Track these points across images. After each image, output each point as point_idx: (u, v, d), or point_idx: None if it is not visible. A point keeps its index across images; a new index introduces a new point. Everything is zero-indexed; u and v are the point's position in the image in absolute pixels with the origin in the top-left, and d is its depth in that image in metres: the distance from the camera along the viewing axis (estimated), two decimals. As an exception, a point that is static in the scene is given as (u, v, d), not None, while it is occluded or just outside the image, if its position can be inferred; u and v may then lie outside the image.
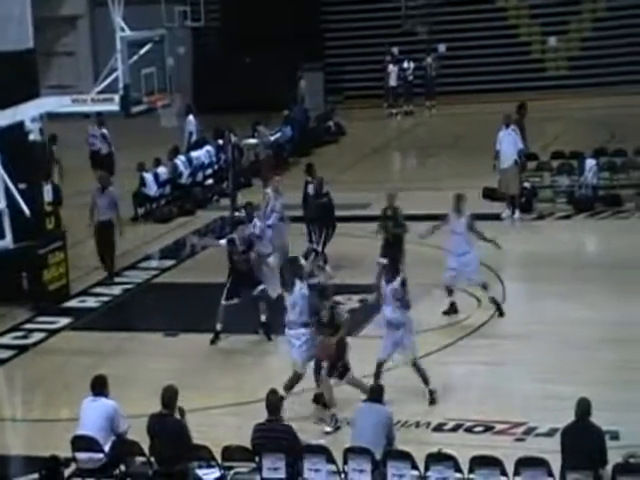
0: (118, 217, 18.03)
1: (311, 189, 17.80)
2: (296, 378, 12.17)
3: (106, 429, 10.18)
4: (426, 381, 12.37)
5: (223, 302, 14.72)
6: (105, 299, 17.23)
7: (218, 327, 14.71)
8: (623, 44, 33.29)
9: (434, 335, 14.49)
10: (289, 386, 12.07)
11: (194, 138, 25.90)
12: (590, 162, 21.12)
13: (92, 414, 10.25)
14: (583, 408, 9.59)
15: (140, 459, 10.20)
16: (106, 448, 10.18)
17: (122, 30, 17.11)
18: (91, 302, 17.09)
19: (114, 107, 16.93)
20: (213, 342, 14.71)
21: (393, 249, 15.64)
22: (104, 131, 24.48)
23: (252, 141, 24.96)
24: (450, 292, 15.19)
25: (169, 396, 10.01)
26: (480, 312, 15.30)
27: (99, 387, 10.38)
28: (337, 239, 17.71)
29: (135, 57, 17.07)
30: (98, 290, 17.61)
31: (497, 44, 34.88)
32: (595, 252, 19.35)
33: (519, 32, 35.47)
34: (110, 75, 16.97)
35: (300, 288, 12.42)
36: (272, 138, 25.64)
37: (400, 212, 16.21)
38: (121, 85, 16.76)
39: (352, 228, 19.42)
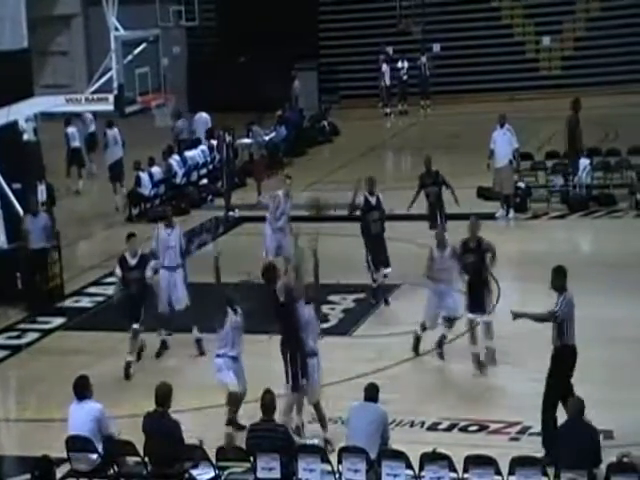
0: (58, 245, 16.69)
1: (361, 202, 15.82)
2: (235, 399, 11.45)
3: (95, 431, 10.13)
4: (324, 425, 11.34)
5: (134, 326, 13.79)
6: (99, 299, 17.21)
7: (129, 358, 13.72)
8: (617, 44, 33.37)
9: (429, 335, 14.51)
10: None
11: (187, 136, 26.25)
12: (584, 162, 21.16)
13: (79, 418, 10.19)
14: (577, 407, 9.61)
15: (134, 459, 10.19)
16: (98, 449, 10.16)
17: (116, 29, 17.13)
18: (85, 302, 17.08)
19: (108, 107, 16.94)
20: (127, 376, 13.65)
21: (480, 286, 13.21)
22: (68, 130, 25.25)
23: (246, 141, 24.99)
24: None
25: (163, 393, 9.99)
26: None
27: (81, 389, 10.28)
28: (333, 239, 17.72)
29: (129, 57, 17.09)
30: (92, 290, 17.59)
31: (491, 44, 34.94)
32: (589, 251, 19.38)
33: (513, 32, 35.54)
34: (104, 75, 16.99)
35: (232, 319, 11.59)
36: (266, 138, 25.65)
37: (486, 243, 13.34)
38: (115, 85, 16.78)
39: (347, 228, 19.41)
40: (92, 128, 26.54)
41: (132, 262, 13.87)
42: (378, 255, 15.70)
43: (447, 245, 13.50)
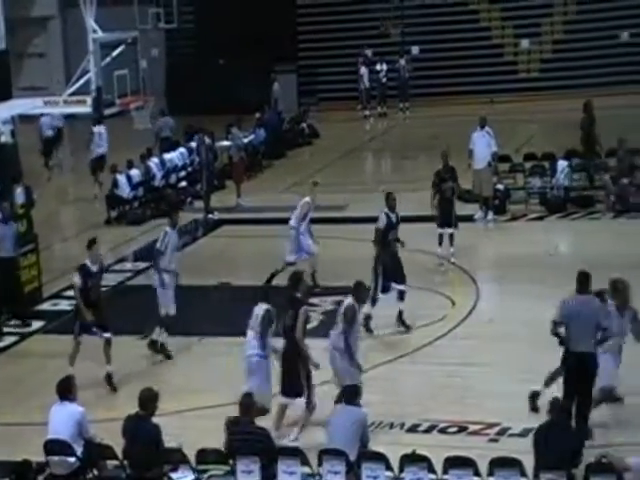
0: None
1: (383, 220, 14.93)
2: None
3: (75, 434, 10.10)
4: None
5: (77, 339, 13.41)
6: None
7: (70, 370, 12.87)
8: (594, 47, 33.55)
9: (409, 336, 14.54)
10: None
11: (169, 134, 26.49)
12: (562, 164, 21.25)
13: (60, 420, 10.16)
14: (556, 408, 9.64)
15: (113, 463, 10.14)
16: (77, 453, 10.10)
17: (94, 31, 17.08)
18: (64, 305, 16.97)
19: (86, 109, 16.89)
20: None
21: None
22: (42, 119, 25.55)
23: (225, 143, 24.94)
24: None
25: (146, 398, 9.94)
26: (454, 313, 15.35)
27: (64, 391, 10.25)
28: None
29: (108, 59, 17.05)
30: (71, 293, 17.45)
31: (470, 46, 35.05)
32: (568, 253, 19.44)
33: (492, 34, 35.68)
34: (82, 77, 16.93)
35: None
36: (245, 140, 25.62)
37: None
38: (93, 87, 16.73)
39: (328, 230, 19.42)
40: (59, 123, 27.26)
41: (93, 269, 13.63)
42: (396, 271, 14.79)
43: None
